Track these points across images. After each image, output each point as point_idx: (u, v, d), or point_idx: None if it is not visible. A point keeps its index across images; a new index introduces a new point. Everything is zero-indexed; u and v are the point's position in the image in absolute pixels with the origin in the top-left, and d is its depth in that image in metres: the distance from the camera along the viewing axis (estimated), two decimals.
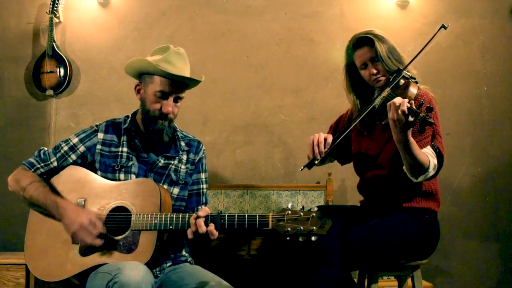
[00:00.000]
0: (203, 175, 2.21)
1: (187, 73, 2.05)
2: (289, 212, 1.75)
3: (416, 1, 3.37)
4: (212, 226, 1.81)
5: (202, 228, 1.80)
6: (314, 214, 1.72)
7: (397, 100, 1.89)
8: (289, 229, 1.72)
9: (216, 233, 1.81)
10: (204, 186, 2.21)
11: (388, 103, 1.92)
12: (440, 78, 3.32)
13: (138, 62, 2.05)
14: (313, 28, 3.39)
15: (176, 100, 2.05)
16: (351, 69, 2.30)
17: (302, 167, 2.21)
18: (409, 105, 1.86)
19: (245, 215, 1.82)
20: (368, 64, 2.19)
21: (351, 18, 3.37)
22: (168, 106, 2.02)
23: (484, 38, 3.36)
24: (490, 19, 3.37)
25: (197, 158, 2.19)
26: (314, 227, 1.70)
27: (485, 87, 3.34)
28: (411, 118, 1.85)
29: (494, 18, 3.37)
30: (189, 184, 2.15)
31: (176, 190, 2.10)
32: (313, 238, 1.70)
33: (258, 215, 1.80)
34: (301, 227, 1.70)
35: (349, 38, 2.26)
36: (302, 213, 1.73)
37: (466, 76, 3.36)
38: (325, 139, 2.16)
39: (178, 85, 2.03)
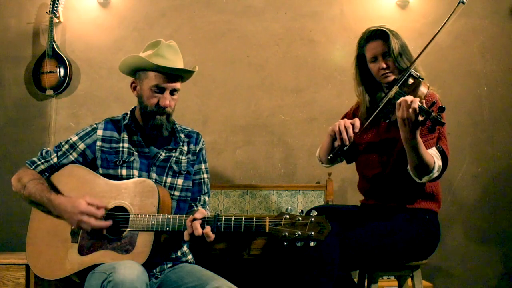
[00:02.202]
0: (203, 166, 2.23)
1: (180, 65, 2.07)
2: (287, 216, 1.73)
3: (416, 1, 3.37)
4: (208, 229, 1.81)
5: (198, 231, 1.81)
6: (313, 218, 1.69)
7: (409, 97, 1.86)
8: (286, 233, 1.69)
9: (212, 236, 1.81)
10: (205, 175, 2.23)
11: (398, 101, 1.89)
12: (440, 78, 3.31)
13: (131, 59, 2.06)
14: (313, 28, 3.39)
15: (172, 93, 2.07)
16: (360, 61, 2.26)
17: (331, 155, 2.15)
18: (420, 104, 1.83)
19: (241, 219, 1.81)
20: (379, 58, 2.16)
21: (351, 18, 3.35)
22: (165, 99, 2.04)
23: (484, 38, 3.36)
24: (490, 19, 3.36)
25: (198, 149, 2.21)
26: (313, 233, 1.67)
27: (485, 87, 3.34)
28: (421, 117, 1.83)
29: (494, 18, 3.36)
30: (191, 173, 2.16)
31: (180, 181, 2.11)
32: (311, 244, 1.67)
33: (255, 219, 1.79)
34: (299, 232, 1.68)
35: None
36: (300, 218, 1.71)
37: (466, 76, 3.35)
38: (352, 124, 2.07)
39: (172, 78, 2.04)
